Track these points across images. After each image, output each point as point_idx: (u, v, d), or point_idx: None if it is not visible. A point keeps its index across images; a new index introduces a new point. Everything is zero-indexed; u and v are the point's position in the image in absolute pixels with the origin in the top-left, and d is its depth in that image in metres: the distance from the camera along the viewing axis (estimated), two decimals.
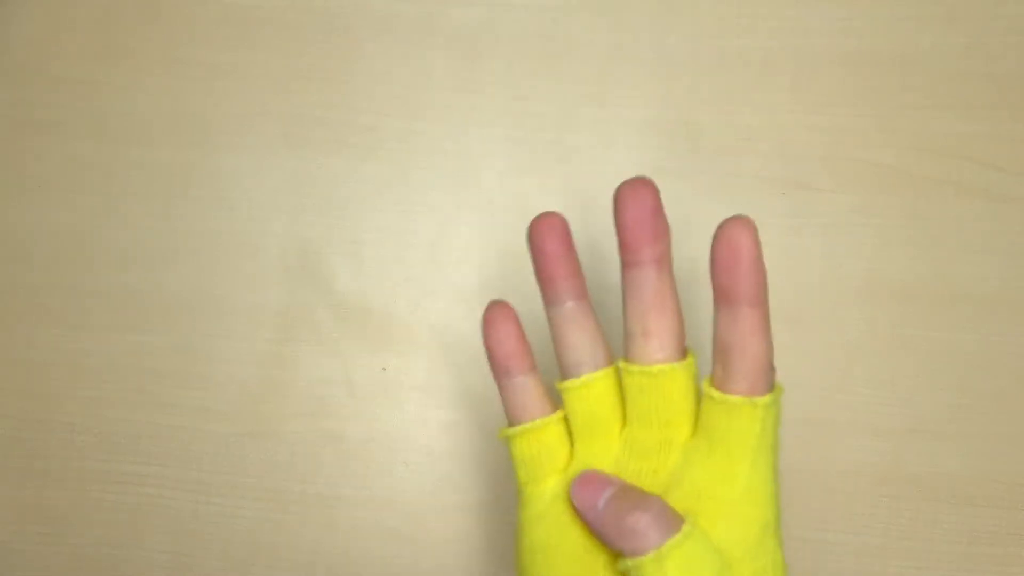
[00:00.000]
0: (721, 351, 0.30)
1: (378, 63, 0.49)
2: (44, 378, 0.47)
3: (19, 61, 0.49)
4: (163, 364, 0.47)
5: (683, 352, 0.31)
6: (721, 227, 0.29)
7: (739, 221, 0.29)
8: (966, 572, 0.44)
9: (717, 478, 0.30)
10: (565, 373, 0.33)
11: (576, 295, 0.32)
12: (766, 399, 0.29)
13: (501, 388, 0.34)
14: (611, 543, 0.30)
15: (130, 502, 0.47)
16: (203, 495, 0.47)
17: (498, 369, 0.34)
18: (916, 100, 0.47)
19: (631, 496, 0.30)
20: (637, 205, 0.30)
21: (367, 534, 0.46)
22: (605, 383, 0.33)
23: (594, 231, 0.47)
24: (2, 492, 0.47)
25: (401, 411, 0.47)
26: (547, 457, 0.33)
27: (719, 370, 0.30)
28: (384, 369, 0.47)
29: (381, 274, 0.48)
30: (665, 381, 0.31)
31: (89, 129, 0.49)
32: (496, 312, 0.33)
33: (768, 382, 0.30)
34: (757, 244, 0.29)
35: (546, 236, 0.32)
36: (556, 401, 0.34)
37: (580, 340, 0.33)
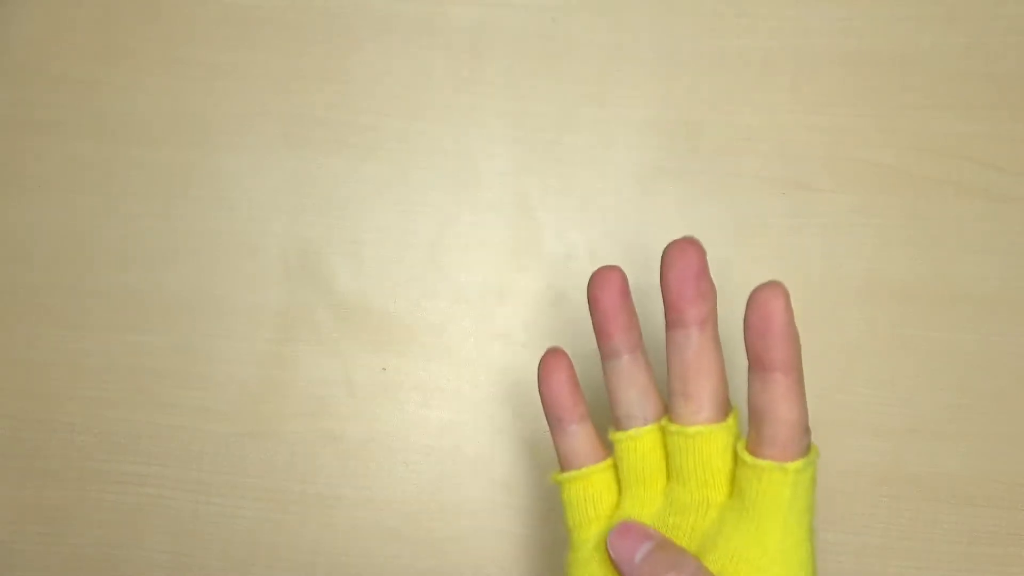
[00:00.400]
0: (754, 415, 0.30)
1: (378, 63, 0.48)
2: (44, 378, 0.47)
3: (19, 61, 0.49)
4: (163, 364, 0.47)
5: (724, 412, 0.31)
6: (754, 293, 0.29)
7: (770, 288, 0.28)
8: (966, 572, 0.44)
9: (749, 541, 0.30)
10: (616, 424, 0.34)
11: (631, 348, 0.33)
12: (797, 464, 0.29)
13: (553, 434, 0.34)
14: None
15: (130, 502, 0.47)
16: (203, 495, 0.47)
17: (551, 417, 0.34)
18: (916, 100, 0.47)
19: (668, 553, 0.30)
20: (683, 266, 0.30)
21: (367, 534, 0.46)
22: (653, 437, 0.33)
23: (592, 232, 0.47)
24: (2, 492, 0.47)
25: (401, 411, 0.47)
26: (593, 504, 0.34)
27: (753, 433, 0.30)
28: (384, 369, 0.47)
29: (381, 274, 0.48)
30: (703, 443, 0.31)
31: (89, 129, 0.49)
32: (551, 361, 0.34)
33: (800, 447, 0.30)
34: (789, 310, 0.28)
35: (603, 291, 0.32)
36: (610, 447, 0.34)
37: (631, 394, 0.33)
